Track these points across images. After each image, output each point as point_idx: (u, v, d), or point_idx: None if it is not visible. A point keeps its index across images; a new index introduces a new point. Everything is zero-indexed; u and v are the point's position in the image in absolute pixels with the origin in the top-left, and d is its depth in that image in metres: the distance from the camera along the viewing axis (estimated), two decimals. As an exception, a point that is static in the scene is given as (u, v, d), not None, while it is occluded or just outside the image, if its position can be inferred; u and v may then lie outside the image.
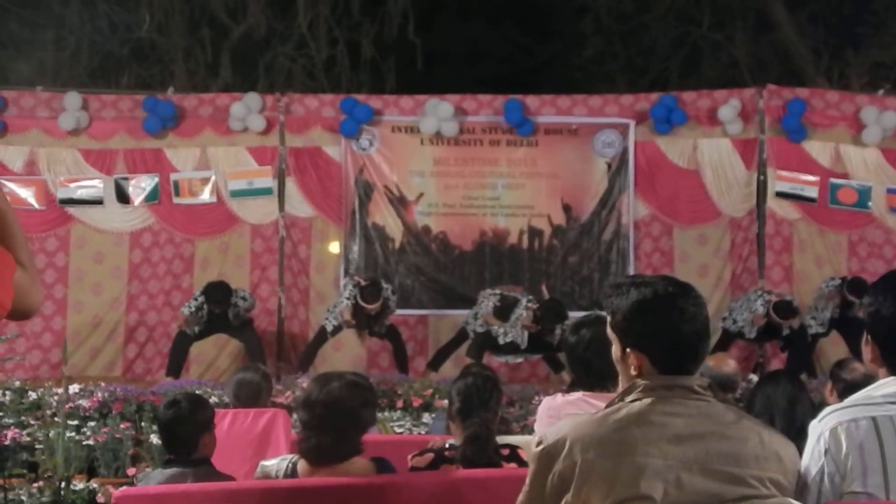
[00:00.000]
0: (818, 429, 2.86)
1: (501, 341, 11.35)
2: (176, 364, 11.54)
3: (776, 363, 12.14)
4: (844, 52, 17.50)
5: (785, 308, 11.44)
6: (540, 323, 11.18)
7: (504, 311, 11.52)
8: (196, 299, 11.49)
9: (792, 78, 16.04)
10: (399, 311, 12.19)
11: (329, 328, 11.73)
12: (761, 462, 2.68)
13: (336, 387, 4.10)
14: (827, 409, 2.89)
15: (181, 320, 11.50)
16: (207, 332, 11.70)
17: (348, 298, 11.50)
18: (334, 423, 4.05)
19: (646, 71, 18.91)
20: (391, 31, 18.08)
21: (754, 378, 10.75)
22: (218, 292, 11.42)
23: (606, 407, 2.79)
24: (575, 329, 4.25)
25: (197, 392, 9.03)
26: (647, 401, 2.73)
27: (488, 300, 11.67)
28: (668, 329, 2.76)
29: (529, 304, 11.33)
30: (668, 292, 2.78)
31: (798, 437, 2.97)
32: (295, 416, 4.43)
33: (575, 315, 10.79)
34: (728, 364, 5.86)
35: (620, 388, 2.85)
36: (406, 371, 11.52)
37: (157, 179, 12.70)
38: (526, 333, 11.26)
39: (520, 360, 11.85)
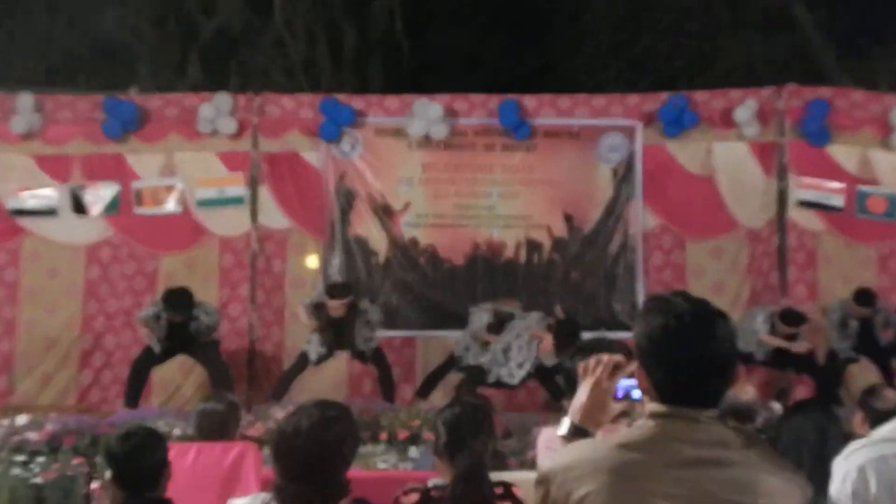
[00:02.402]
0: (844, 467, 2.86)
1: (492, 378, 11.29)
2: (134, 390, 11.40)
3: (802, 390, 12.06)
4: (870, 48, 17.50)
5: (791, 316, 11.40)
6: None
7: (497, 327, 11.46)
8: (154, 305, 11.38)
9: (813, 77, 16.01)
10: (383, 333, 12.10)
11: (313, 356, 11.60)
12: (769, 496, 2.72)
13: (313, 423, 3.96)
14: (853, 445, 2.89)
15: (146, 325, 11.39)
16: (170, 350, 11.56)
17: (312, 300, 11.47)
18: (314, 467, 3.92)
19: (654, 70, 18.90)
20: (376, 28, 18.05)
21: (776, 406, 10.69)
22: (178, 298, 11.28)
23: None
24: (577, 353, 4.15)
25: (158, 423, 8.98)
26: (651, 424, 2.80)
27: (480, 316, 11.60)
28: (683, 361, 2.81)
29: (535, 331, 11.22)
30: (690, 320, 2.83)
31: (829, 476, 2.93)
32: (267, 450, 4.31)
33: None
34: (746, 391, 5.79)
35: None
36: (392, 399, 11.41)
37: (117, 188, 12.63)
38: (527, 367, 11.18)
39: (515, 381, 11.72)
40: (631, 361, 3.09)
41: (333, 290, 11.41)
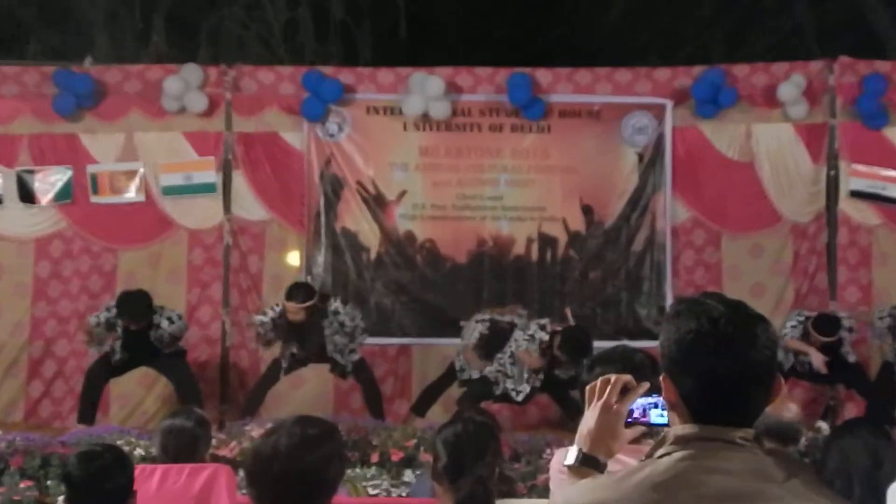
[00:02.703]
0: None
1: (499, 391, 11.36)
2: (90, 404, 11.46)
3: (851, 408, 12.10)
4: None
5: (825, 323, 11.44)
6: (554, 354, 11.15)
7: (493, 341, 11.52)
8: (108, 310, 11.41)
9: (870, 48, 16.03)
10: (374, 340, 12.17)
11: (284, 363, 11.65)
12: None
13: (293, 443, 3.99)
14: None
15: (87, 331, 11.44)
16: (129, 361, 11.61)
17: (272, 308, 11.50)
18: (295, 493, 3.96)
19: (685, 40, 18.92)
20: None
21: (823, 426, 10.75)
22: (133, 303, 11.31)
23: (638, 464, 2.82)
24: (594, 365, 4.20)
25: (118, 442, 9.02)
26: (678, 455, 2.75)
27: (472, 330, 11.69)
28: (712, 369, 2.79)
29: (541, 336, 11.27)
30: (726, 324, 2.80)
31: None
32: (242, 473, 4.36)
33: (599, 345, 10.80)
34: (789, 409, 5.82)
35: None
36: (381, 416, 11.45)
37: (70, 173, 12.69)
38: (533, 380, 11.27)
39: (521, 397, 11.75)
40: (642, 383, 3.13)
41: (290, 292, 11.40)
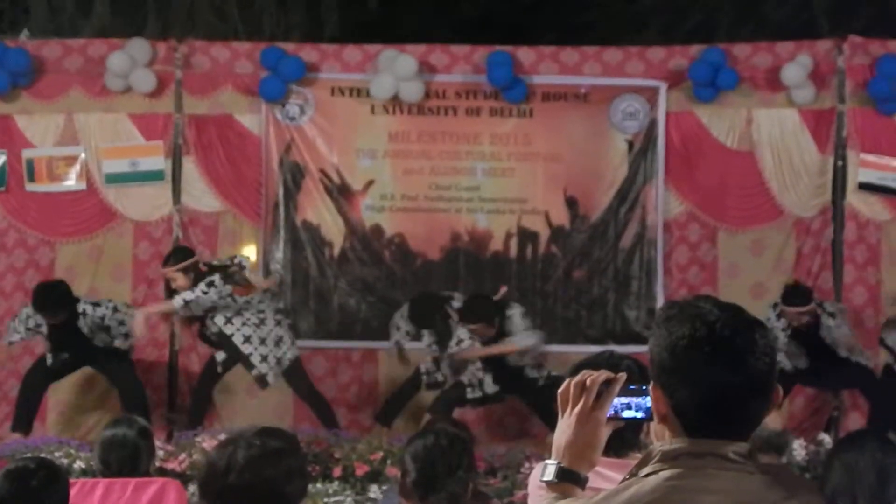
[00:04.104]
0: None
1: (472, 395, 11.46)
2: (26, 412, 11.51)
3: (856, 419, 12.19)
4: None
5: (794, 293, 11.60)
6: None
7: (423, 309, 11.85)
8: (25, 316, 11.48)
9: (884, 26, 16.08)
10: (338, 344, 12.22)
11: (219, 358, 11.76)
12: None
13: (251, 456, 4.05)
14: None
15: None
16: (68, 363, 11.66)
17: None
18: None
19: (685, 14, 18.95)
20: (333, -44, 18.09)
21: (826, 439, 10.85)
22: (46, 294, 11.38)
23: (622, 482, 2.84)
24: (577, 371, 4.25)
25: (56, 454, 9.08)
26: (666, 475, 2.78)
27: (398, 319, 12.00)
28: (709, 378, 2.82)
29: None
30: (723, 328, 2.84)
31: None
32: (192, 489, 4.41)
33: (583, 350, 10.90)
34: (772, 418, 5.89)
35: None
36: (335, 423, 11.52)
37: (3, 158, 12.68)
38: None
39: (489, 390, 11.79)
40: (619, 378, 3.05)
41: (168, 257, 11.67)
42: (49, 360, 11.51)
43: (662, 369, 2.87)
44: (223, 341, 11.56)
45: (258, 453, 4.05)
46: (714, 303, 2.90)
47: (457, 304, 11.72)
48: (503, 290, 12.27)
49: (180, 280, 11.38)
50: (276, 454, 4.09)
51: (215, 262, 11.71)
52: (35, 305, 11.35)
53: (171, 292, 11.69)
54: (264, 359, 11.52)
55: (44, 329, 11.42)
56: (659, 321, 2.92)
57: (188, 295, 11.25)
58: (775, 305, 11.65)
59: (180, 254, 11.68)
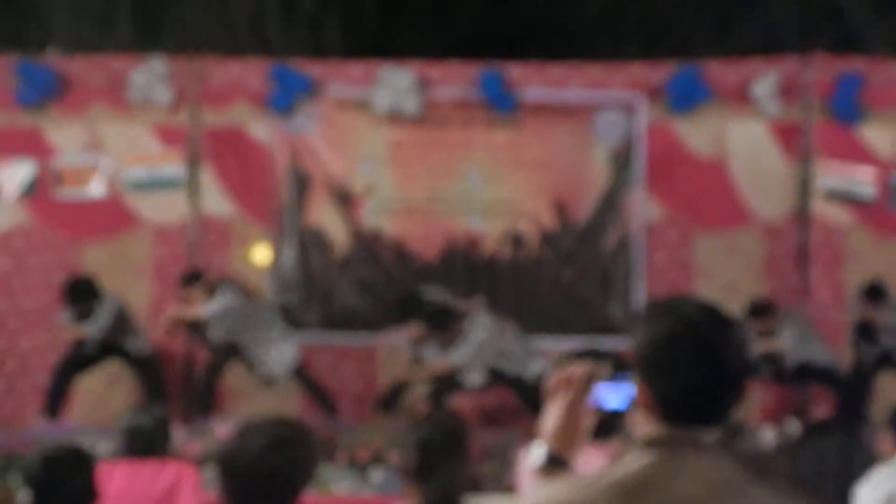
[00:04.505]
0: (870, 496, 2.89)
1: (469, 384, 11.46)
2: (56, 398, 11.57)
3: (821, 410, 12.20)
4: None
5: (756, 308, 11.67)
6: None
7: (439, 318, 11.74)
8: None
9: (847, 44, 16.10)
10: (341, 339, 12.19)
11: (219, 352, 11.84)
12: None
13: (262, 445, 4.07)
14: (879, 471, 2.92)
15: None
16: (102, 352, 11.73)
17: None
18: (263, 493, 4.05)
19: (662, 34, 18.97)
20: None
21: (794, 426, 10.87)
22: (77, 290, 11.52)
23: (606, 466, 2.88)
24: (565, 362, 4.27)
25: (81, 439, 9.09)
26: (648, 459, 2.83)
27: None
28: (688, 371, 2.88)
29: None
30: (700, 325, 2.91)
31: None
32: (206, 472, 4.44)
33: (571, 345, 10.95)
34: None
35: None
36: (335, 412, 11.56)
37: (33, 166, 12.69)
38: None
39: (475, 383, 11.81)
40: (601, 367, 3.13)
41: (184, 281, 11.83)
42: (88, 347, 11.61)
43: (645, 363, 2.93)
44: (231, 346, 11.69)
45: (271, 441, 4.08)
46: (693, 301, 2.97)
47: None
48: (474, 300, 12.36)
49: (197, 299, 11.49)
50: (288, 443, 4.13)
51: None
52: (67, 299, 11.47)
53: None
54: (270, 358, 11.69)
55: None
56: (642, 319, 2.99)
57: (213, 307, 11.50)
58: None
59: (192, 278, 11.82)
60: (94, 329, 11.65)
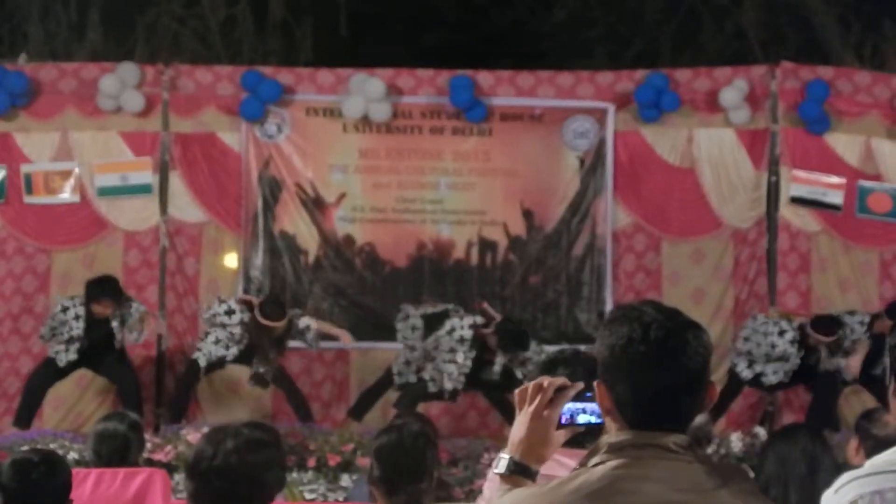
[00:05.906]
0: (834, 501, 2.86)
1: (434, 388, 11.43)
2: (28, 407, 11.49)
3: (789, 415, 12.24)
4: (879, 22, 17.65)
5: (826, 323, 11.60)
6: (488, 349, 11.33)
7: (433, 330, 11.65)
8: (69, 305, 11.44)
9: (813, 53, 16.17)
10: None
11: (202, 362, 11.69)
12: None
13: (232, 448, 4.07)
14: (844, 477, 2.88)
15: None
16: (84, 358, 11.62)
17: (236, 323, 11.50)
18: (233, 497, 4.04)
19: (630, 42, 18.99)
20: (308, -14, 18.05)
21: (760, 432, 10.89)
22: (105, 288, 11.42)
23: (572, 471, 2.87)
24: (546, 368, 4.25)
25: (52, 445, 9.06)
26: (612, 464, 2.81)
27: (408, 326, 11.79)
28: (644, 375, 2.86)
29: (480, 329, 11.40)
30: (657, 330, 2.87)
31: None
32: (177, 478, 4.42)
33: (538, 350, 10.95)
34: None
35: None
36: (309, 419, 11.53)
37: (3, 172, 12.62)
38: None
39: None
40: (575, 385, 3.09)
41: (267, 311, 11.58)
42: (62, 362, 11.48)
43: (605, 367, 2.91)
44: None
45: (243, 442, 4.07)
46: (654, 307, 2.93)
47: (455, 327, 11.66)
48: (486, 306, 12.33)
49: (282, 324, 11.55)
50: (259, 444, 4.12)
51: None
52: (91, 294, 11.38)
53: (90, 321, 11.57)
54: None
55: (80, 321, 11.40)
56: (605, 323, 2.97)
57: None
58: (799, 330, 11.66)
59: (278, 306, 11.77)
60: (133, 337, 11.61)
